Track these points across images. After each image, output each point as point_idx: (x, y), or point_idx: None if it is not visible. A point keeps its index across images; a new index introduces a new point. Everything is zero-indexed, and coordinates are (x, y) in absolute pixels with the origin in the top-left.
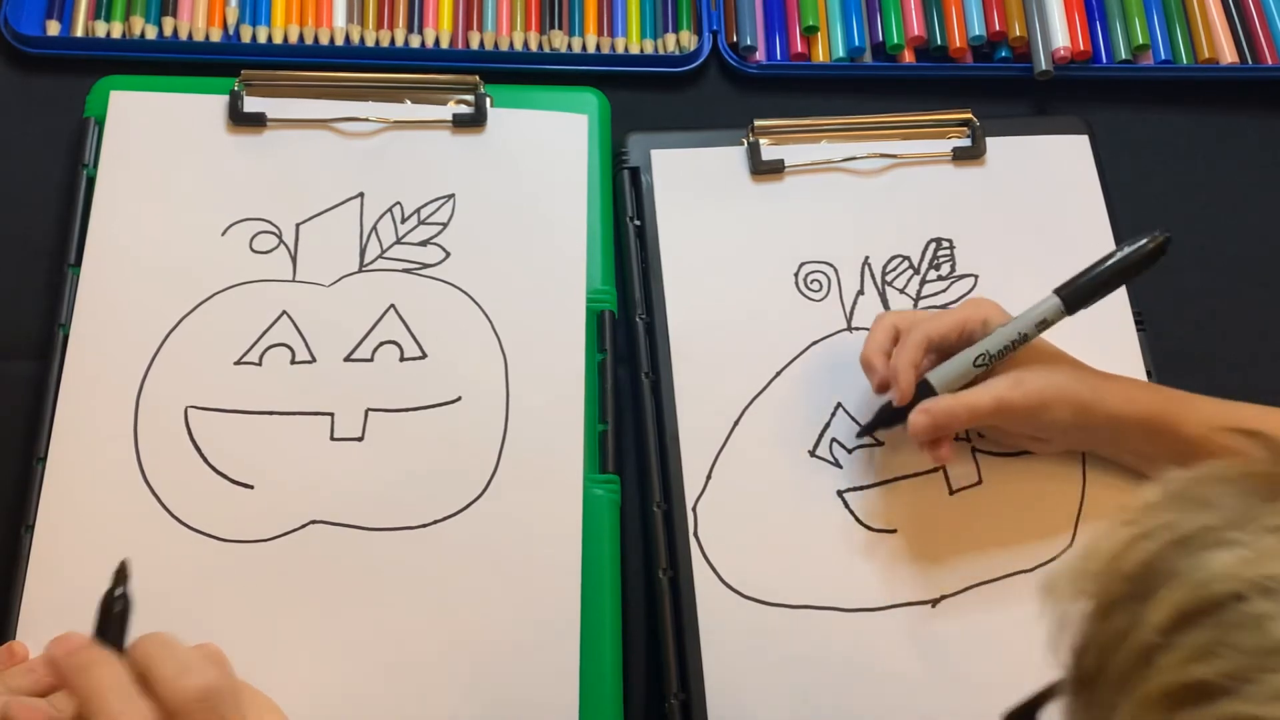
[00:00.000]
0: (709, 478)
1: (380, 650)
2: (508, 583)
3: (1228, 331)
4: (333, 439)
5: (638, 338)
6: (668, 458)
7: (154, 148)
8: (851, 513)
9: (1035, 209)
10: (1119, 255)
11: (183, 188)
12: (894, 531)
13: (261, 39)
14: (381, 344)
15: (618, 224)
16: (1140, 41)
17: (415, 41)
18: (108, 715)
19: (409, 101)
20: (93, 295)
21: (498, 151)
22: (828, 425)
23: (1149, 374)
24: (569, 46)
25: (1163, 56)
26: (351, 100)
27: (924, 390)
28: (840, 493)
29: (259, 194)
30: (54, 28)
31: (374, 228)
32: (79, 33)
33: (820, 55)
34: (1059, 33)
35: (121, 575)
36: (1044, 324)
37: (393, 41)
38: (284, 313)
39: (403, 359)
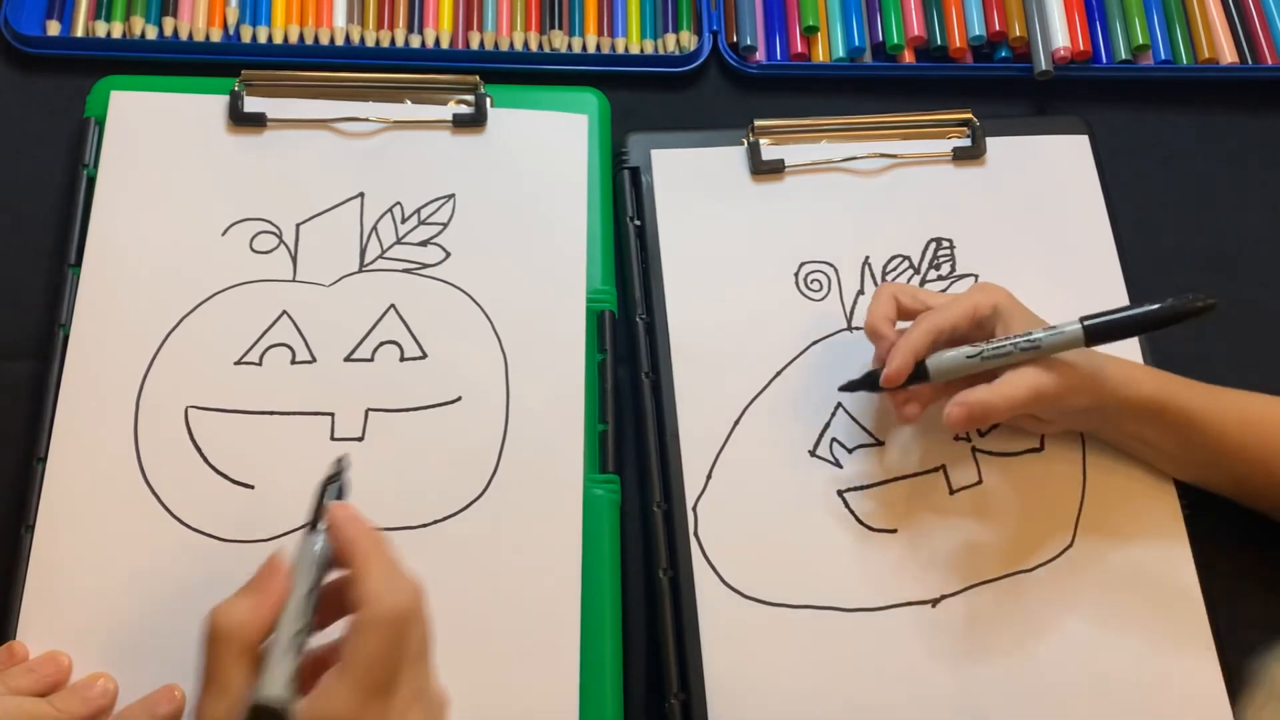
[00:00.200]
0: (709, 477)
1: None
2: (508, 583)
3: (1228, 331)
4: (333, 439)
5: (638, 338)
6: (668, 457)
7: (154, 148)
8: (851, 513)
9: (1035, 209)
10: (1160, 307)
11: (183, 188)
12: (894, 531)
13: (262, 39)
14: (382, 344)
15: (618, 224)
16: (1140, 41)
17: (415, 41)
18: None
19: (409, 101)
20: (93, 295)
21: (498, 151)
22: (828, 425)
23: None
24: (569, 46)
25: (1163, 56)
26: (351, 100)
27: (919, 373)
28: (840, 492)
29: (259, 194)
30: (54, 28)
31: (374, 228)
32: (79, 33)
33: (820, 55)
34: (1059, 33)
35: (341, 465)
36: (1060, 349)
37: (393, 41)
38: (284, 313)
39: (403, 359)
